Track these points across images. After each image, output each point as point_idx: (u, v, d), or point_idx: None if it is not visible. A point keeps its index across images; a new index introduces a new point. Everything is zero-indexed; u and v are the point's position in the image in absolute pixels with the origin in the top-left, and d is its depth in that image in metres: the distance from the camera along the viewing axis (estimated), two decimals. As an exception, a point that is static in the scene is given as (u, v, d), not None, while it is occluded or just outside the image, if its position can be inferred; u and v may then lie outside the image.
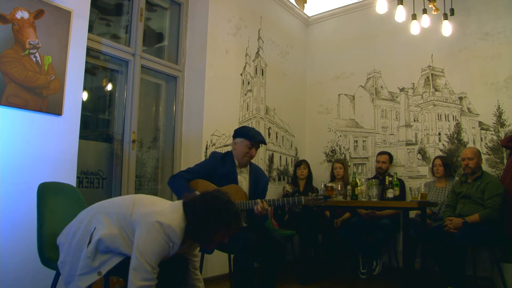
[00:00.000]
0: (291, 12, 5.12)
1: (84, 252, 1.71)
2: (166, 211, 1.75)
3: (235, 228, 1.80)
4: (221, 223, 1.74)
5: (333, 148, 5.04)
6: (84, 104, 2.89)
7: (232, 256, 2.71)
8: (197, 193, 2.39)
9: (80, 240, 1.74)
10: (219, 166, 2.62)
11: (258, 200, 2.45)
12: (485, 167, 3.77)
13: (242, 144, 2.62)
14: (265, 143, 2.84)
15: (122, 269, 1.76)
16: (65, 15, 2.59)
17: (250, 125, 4.29)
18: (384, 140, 4.70)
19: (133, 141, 3.36)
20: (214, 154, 2.77)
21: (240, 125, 4.16)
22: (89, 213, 1.82)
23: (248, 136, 2.62)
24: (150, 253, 1.63)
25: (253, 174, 2.73)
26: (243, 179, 2.68)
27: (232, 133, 3.96)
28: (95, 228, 1.74)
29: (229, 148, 3.90)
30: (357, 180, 3.66)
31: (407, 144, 4.52)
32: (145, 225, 1.68)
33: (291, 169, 4.88)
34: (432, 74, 4.43)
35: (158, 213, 1.71)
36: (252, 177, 2.72)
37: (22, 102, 2.35)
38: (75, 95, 2.64)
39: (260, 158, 4.43)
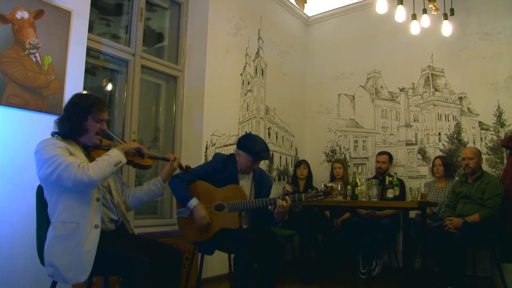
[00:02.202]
0: (291, 12, 5.12)
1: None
2: None
3: (102, 109, 1.95)
4: (83, 110, 1.90)
5: (333, 148, 5.04)
6: (84, 104, 2.88)
7: (232, 256, 2.71)
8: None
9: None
10: (220, 169, 2.62)
11: (285, 198, 2.45)
12: (485, 167, 3.76)
13: (246, 159, 2.58)
14: (269, 159, 2.79)
15: (122, 269, 1.77)
16: (65, 15, 2.59)
17: (250, 125, 4.30)
18: (384, 140, 4.69)
19: (133, 141, 3.36)
20: (217, 156, 2.76)
21: (240, 125, 4.17)
22: None
23: (253, 153, 2.54)
24: (49, 157, 1.75)
25: (257, 177, 2.72)
26: (245, 183, 2.67)
27: (231, 132, 4.02)
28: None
29: (229, 148, 3.91)
30: (357, 180, 3.65)
31: (407, 144, 4.52)
32: (37, 163, 1.81)
33: (291, 169, 4.88)
34: (432, 74, 4.43)
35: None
36: (256, 180, 2.71)
37: (22, 102, 2.36)
38: (75, 95, 2.64)
39: (260, 158, 4.42)
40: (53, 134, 1.94)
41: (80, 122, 1.90)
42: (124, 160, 1.87)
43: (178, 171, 2.30)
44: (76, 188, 1.75)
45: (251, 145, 2.56)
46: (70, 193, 1.81)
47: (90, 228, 1.79)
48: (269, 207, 2.53)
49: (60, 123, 1.93)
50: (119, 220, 2.01)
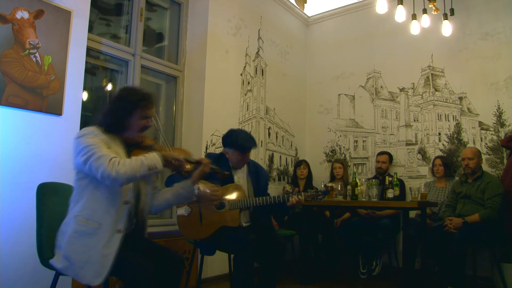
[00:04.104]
0: (291, 12, 5.12)
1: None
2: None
3: (149, 106, 1.87)
4: (132, 104, 1.82)
5: (333, 148, 5.04)
6: (84, 104, 2.89)
7: (232, 256, 2.71)
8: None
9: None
10: None
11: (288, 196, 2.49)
12: (485, 167, 3.76)
13: (234, 154, 2.61)
14: (256, 146, 2.78)
15: (125, 273, 1.76)
16: (65, 15, 2.59)
17: (250, 125, 4.30)
18: (384, 140, 4.69)
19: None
20: (208, 155, 2.79)
21: (240, 125, 4.17)
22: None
23: (236, 146, 2.57)
24: (85, 146, 1.70)
25: (252, 170, 2.74)
26: (241, 178, 2.69)
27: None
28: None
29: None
30: (357, 180, 3.66)
31: (407, 144, 4.52)
32: (74, 149, 1.76)
33: (291, 169, 4.88)
34: (432, 74, 4.43)
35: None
36: (252, 174, 2.73)
37: (22, 102, 2.36)
38: (75, 95, 2.64)
39: (260, 158, 4.43)
40: (97, 125, 1.84)
41: (124, 117, 1.83)
42: (160, 166, 1.74)
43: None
44: (103, 181, 1.68)
45: (233, 140, 2.59)
46: (99, 189, 1.76)
47: (112, 232, 1.74)
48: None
49: (104, 116, 1.85)
50: (131, 228, 1.91)
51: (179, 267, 1.96)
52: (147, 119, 1.88)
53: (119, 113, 1.83)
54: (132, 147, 1.92)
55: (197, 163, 1.99)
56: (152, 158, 1.73)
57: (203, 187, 2.48)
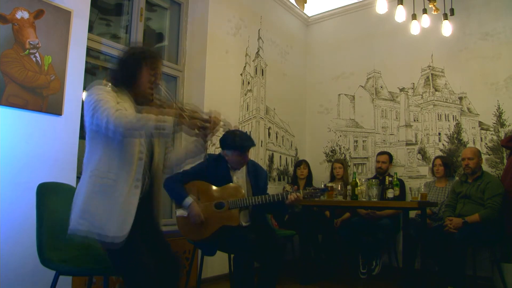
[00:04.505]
0: (291, 12, 5.12)
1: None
2: None
3: (156, 58, 1.86)
4: (138, 57, 1.83)
5: (333, 148, 5.04)
6: (84, 104, 2.89)
7: (232, 256, 2.71)
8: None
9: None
10: (213, 168, 2.64)
11: (287, 195, 2.50)
12: (485, 167, 3.76)
13: (233, 155, 2.62)
14: (254, 145, 2.80)
15: (124, 266, 1.76)
16: (65, 15, 2.59)
17: (250, 125, 4.30)
18: (384, 140, 4.69)
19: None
20: (208, 156, 2.78)
21: (240, 126, 4.17)
22: None
23: (235, 146, 2.60)
24: (94, 101, 1.67)
25: (251, 170, 2.75)
26: (240, 179, 2.70)
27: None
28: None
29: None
30: (357, 180, 3.66)
31: (407, 144, 4.52)
32: (85, 105, 1.72)
33: (291, 169, 4.88)
34: (432, 74, 4.43)
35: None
36: (251, 174, 2.74)
37: (22, 102, 2.36)
38: (75, 95, 2.64)
39: (260, 158, 4.43)
40: (106, 81, 1.82)
41: (134, 70, 1.82)
42: (168, 127, 1.58)
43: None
44: (107, 132, 1.62)
45: (231, 141, 2.61)
46: (112, 145, 1.71)
47: (129, 188, 1.70)
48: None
49: (113, 71, 1.88)
50: (146, 187, 1.83)
51: (177, 269, 1.96)
52: (156, 73, 1.87)
53: (128, 66, 1.83)
54: (142, 104, 1.86)
55: (206, 121, 1.92)
56: (163, 116, 1.61)
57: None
